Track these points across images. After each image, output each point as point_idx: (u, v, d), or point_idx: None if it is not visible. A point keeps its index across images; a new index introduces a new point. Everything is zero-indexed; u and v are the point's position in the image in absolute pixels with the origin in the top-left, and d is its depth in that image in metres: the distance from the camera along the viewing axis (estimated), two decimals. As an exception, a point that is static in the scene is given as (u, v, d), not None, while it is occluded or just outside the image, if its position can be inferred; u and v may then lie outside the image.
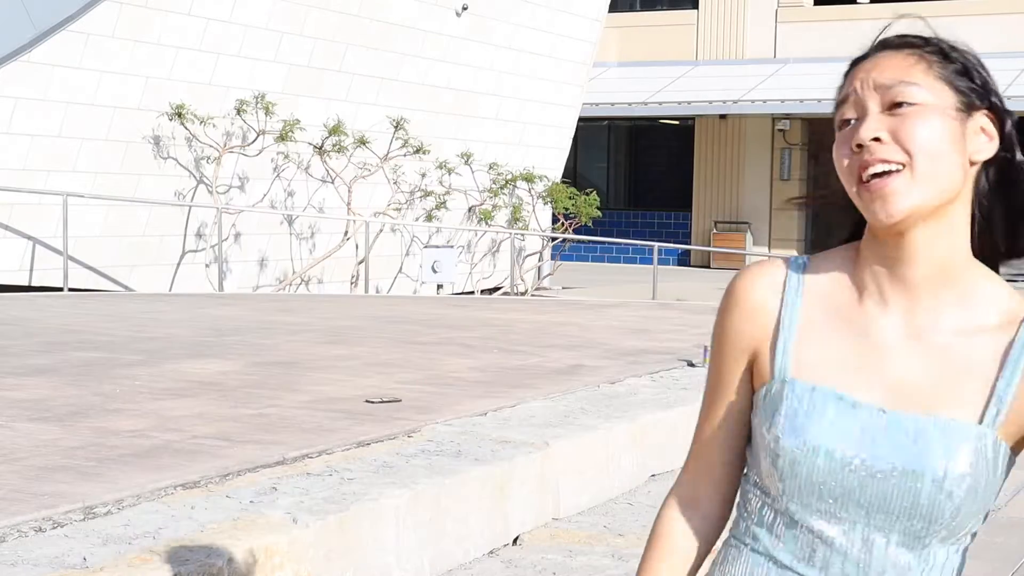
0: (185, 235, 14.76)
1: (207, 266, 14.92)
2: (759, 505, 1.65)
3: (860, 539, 1.56)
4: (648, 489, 5.28)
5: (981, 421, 1.52)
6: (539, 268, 20.06)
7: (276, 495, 3.87)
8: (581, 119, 22.03)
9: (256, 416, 5.25)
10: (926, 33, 1.60)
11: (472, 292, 18.30)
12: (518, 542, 4.55)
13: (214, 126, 14.53)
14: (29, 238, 13.09)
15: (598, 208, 19.46)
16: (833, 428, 1.55)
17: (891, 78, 1.53)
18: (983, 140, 1.54)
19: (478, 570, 4.23)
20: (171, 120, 14.06)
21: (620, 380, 6.59)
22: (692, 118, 26.67)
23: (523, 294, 18.29)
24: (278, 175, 15.84)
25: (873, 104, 1.53)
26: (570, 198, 19.09)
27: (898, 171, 1.50)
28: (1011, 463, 1.58)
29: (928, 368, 1.54)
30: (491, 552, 4.42)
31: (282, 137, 14.90)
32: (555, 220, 19.77)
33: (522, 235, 19.00)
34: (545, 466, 4.79)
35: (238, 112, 14.75)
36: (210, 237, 14.89)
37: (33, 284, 13.07)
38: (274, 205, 15.83)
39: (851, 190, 1.53)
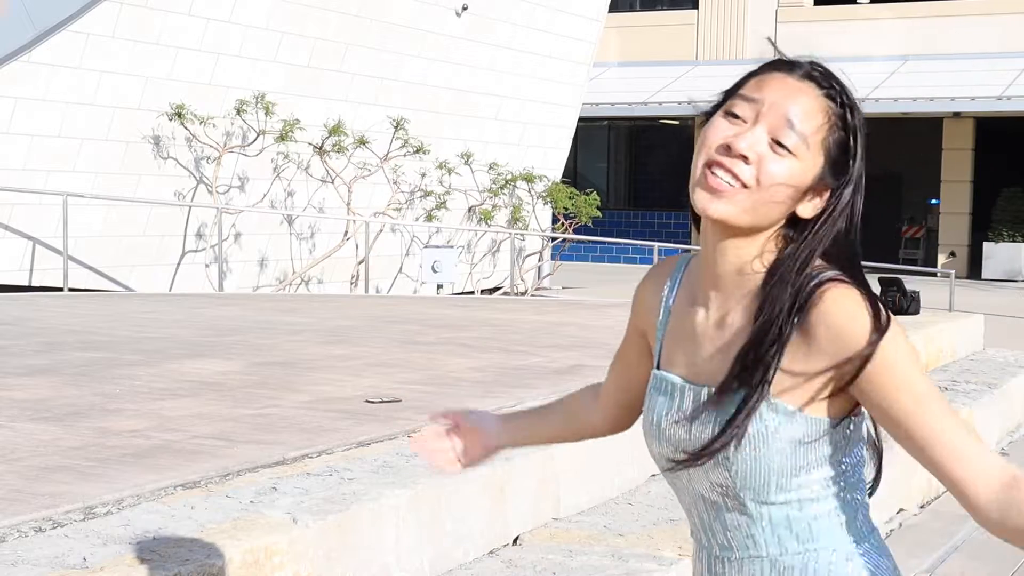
0: (185, 235, 14.75)
1: (207, 266, 14.92)
2: None
3: (703, 503, 1.81)
4: (648, 489, 5.28)
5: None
6: (539, 268, 20.06)
7: (276, 495, 3.87)
8: (581, 119, 22.03)
9: (256, 416, 5.25)
10: (842, 80, 1.76)
11: (472, 292, 18.30)
12: (518, 542, 4.55)
13: (214, 126, 14.53)
14: (29, 238, 13.10)
15: (598, 208, 19.46)
16: (661, 406, 1.84)
17: (796, 119, 1.70)
18: (815, 202, 1.75)
19: (478, 570, 4.23)
20: (171, 120, 14.06)
21: (620, 380, 6.58)
22: (692, 118, 26.67)
23: (523, 294, 18.29)
24: (278, 175, 15.84)
25: (765, 125, 1.70)
26: (570, 198, 19.09)
27: (740, 188, 1.69)
28: (838, 424, 1.74)
29: (725, 348, 1.75)
30: (491, 552, 4.42)
31: (282, 137, 14.90)
32: (555, 220, 19.77)
33: (522, 235, 19.01)
34: (545, 466, 4.79)
35: (238, 112, 14.75)
36: (210, 237, 14.89)
37: (33, 284, 13.07)
38: (274, 205, 15.83)
39: (695, 171, 1.73)
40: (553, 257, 20.30)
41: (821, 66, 1.74)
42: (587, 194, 19.47)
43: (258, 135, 14.91)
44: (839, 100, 1.72)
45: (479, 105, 18.61)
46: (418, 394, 5.91)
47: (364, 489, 3.99)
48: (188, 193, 14.77)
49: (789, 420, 1.70)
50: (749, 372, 1.70)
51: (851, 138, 1.73)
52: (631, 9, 27.73)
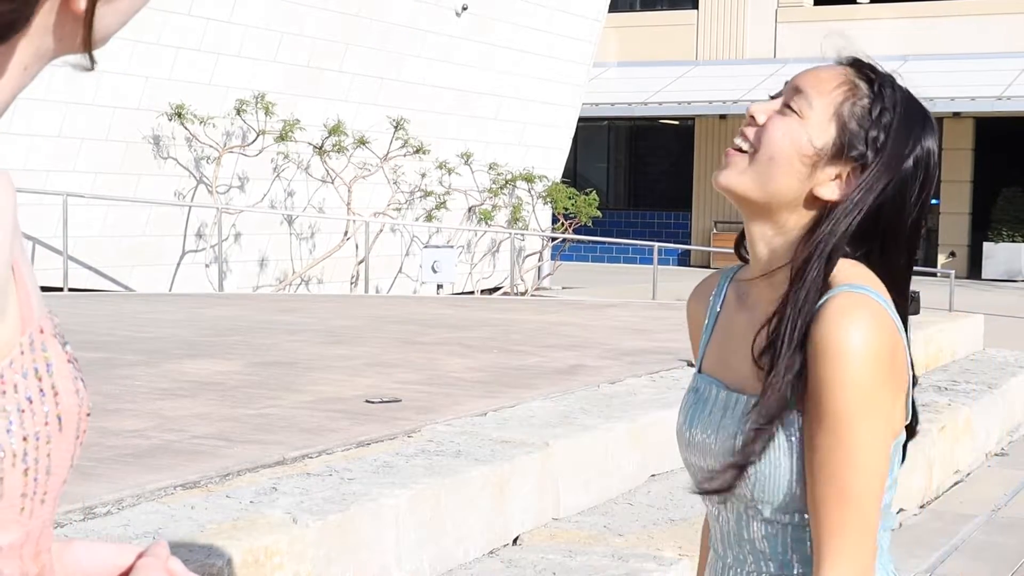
0: (185, 235, 14.75)
1: (207, 266, 14.92)
2: None
3: (724, 513, 1.72)
4: (648, 489, 5.28)
5: None
6: (539, 268, 20.05)
7: (276, 495, 3.87)
8: (581, 119, 22.03)
9: (256, 416, 5.25)
10: (882, 71, 1.67)
11: (472, 292, 18.29)
12: (518, 542, 4.55)
13: (214, 126, 14.52)
14: (29, 238, 13.09)
15: (598, 208, 19.46)
16: (694, 410, 1.74)
17: (805, 85, 1.64)
18: (833, 184, 1.62)
19: (478, 570, 4.23)
20: (171, 120, 14.06)
21: (620, 380, 6.59)
22: (692, 118, 26.67)
23: (523, 294, 18.29)
24: (278, 175, 15.84)
25: (784, 96, 1.66)
26: (570, 198, 19.09)
27: (744, 152, 1.64)
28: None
29: (745, 349, 1.67)
30: (491, 552, 4.42)
31: (282, 137, 14.90)
32: (555, 220, 19.77)
33: (522, 235, 19.00)
34: (545, 466, 4.79)
35: (238, 112, 14.75)
36: (210, 237, 14.89)
37: (33, 284, 13.06)
38: (274, 205, 15.83)
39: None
40: (553, 257, 20.30)
41: (857, 57, 1.68)
42: (587, 194, 19.46)
43: (258, 135, 14.91)
44: (870, 80, 1.64)
45: (479, 105, 18.60)
46: (418, 394, 5.91)
47: (364, 489, 3.99)
48: (188, 193, 14.76)
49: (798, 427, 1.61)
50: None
51: (874, 113, 1.61)
52: (631, 9, 27.73)
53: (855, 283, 1.59)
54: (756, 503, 1.65)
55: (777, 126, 1.62)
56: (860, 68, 1.66)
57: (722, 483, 1.63)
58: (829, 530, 1.56)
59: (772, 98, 1.68)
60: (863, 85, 1.64)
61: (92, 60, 0.94)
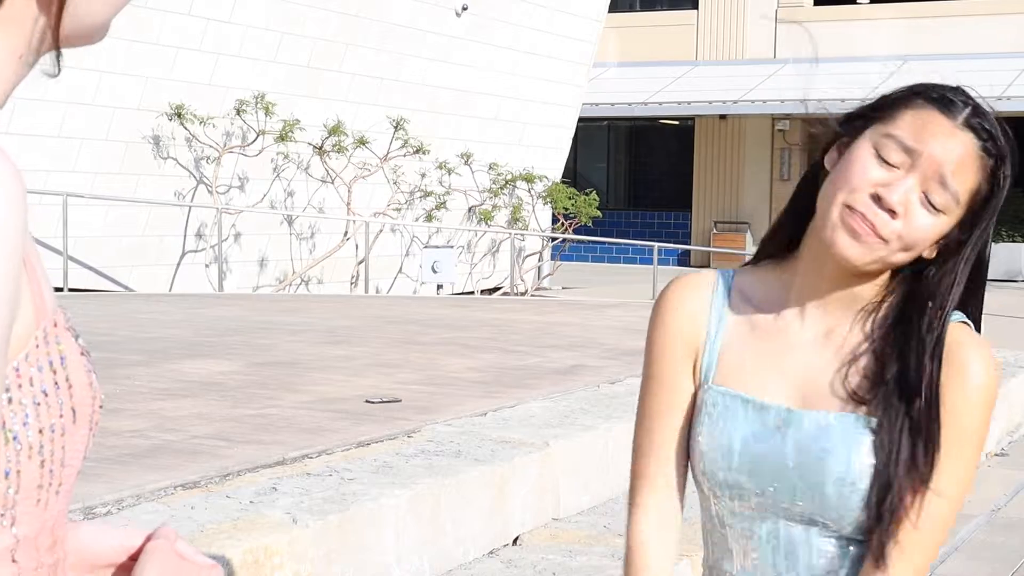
0: (185, 235, 14.75)
1: (207, 266, 14.91)
2: (705, 515, 1.79)
3: (784, 533, 1.68)
4: (648, 489, 5.27)
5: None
6: (539, 268, 20.05)
7: (276, 495, 3.87)
8: (581, 119, 22.03)
9: (256, 416, 5.25)
10: (999, 129, 1.64)
11: (472, 292, 18.29)
12: (518, 542, 4.55)
13: (214, 126, 14.52)
14: (29, 238, 13.08)
15: (598, 208, 19.46)
16: (742, 429, 1.68)
17: (950, 178, 1.59)
18: (935, 246, 1.64)
19: (478, 570, 4.23)
20: (171, 120, 14.05)
21: (620, 380, 6.59)
22: (692, 118, 26.66)
23: (523, 294, 18.29)
24: (278, 175, 15.84)
25: (918, 176, 1.58)
26: (570, 198, 19.09)
27: (880, 239, 1.58)
28: None
29: (834, 369, 1.66)
30: (491, 552, 4.42)
31: (282, 137, 14.90)
32: (555, 220, 19.77)
33: (522, 235, 19.00)
34: (545, 466, 4.79)
35: (238, 112, 14.75)
36: (210, 237, 14.89)
37: (33, 284, 13.04)
38: (274, 205, 15.83)
39: (832, 208, 1.59)
40: (553, 257, 20.30)
41: (981, 111, 1.63)
42: (587, 194, 19.46)
43: (258, 135, 14.91)
44: (994, 152, 1.62)
45: (479, 105, 18.60)
46: (418, 394, 5.91)
47: (364, 489, 3.99)
48: (188, 193, 14.76)
49: None
50: (914, 405, 1.62)
51: (993, 192, 1.63)
52: (631, 9, 27.73)
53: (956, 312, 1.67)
54: (839, 521, 1.65)
55: (925, 227, 1.60)
56: (977, 132, 1.62)
57: (867, 516, 1.64)
58: (905, 545, 1.62)
59: (885, 162, 1.59)
60: (988, 162, 1.62)
61: (59, 63, 0.94)
